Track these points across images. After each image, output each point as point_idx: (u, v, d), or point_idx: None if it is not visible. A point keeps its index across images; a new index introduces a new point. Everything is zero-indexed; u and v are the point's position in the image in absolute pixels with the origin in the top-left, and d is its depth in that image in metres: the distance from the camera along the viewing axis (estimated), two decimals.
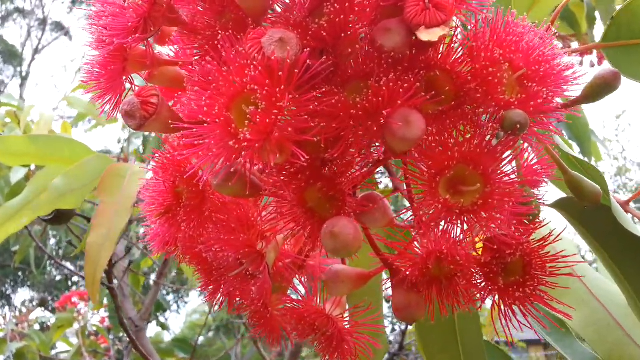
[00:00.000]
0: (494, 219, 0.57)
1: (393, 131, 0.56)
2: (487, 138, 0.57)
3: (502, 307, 0.63)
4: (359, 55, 0.60)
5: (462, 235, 0.61)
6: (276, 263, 0.75)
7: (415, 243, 0.69)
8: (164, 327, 5.61)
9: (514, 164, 0.64)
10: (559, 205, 0.80)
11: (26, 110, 3.28)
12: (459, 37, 0.61)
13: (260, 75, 0.54)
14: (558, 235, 0.62)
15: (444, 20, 0.56)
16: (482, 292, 0.63)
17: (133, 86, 0.73)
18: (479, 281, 0.63)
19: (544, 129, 0.62)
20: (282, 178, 0.64)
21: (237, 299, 0.80)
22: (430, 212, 0.58)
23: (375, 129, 0.57)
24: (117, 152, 4.01)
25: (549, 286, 0.62)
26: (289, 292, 0.83)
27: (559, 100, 0.63)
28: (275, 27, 0.58)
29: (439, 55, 0.60)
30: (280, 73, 0.53)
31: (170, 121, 0.65)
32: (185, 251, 0.77)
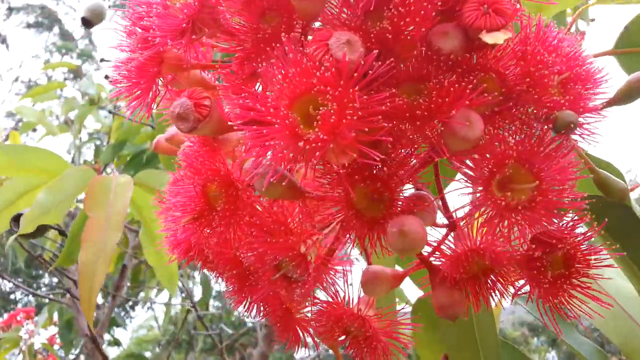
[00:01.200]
0: (549, 215, 0.59)
1: (454, 131, 0.58)
2: (544, 138, 0.60)
3: (550, 299, 0.65)
4: (415, 58, 0.62)
5: (510, 232, 0.63)
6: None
7: (449, 241, 0.71)
8: (117, 342, 5.43)
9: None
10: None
11: None
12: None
13: (332, 77, 0.55)
14: (599, 229, 0.65)
15: (504, 24, 0.58)
16: (531, 286, 0.65)
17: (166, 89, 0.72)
18: (526, 274, 0.65)
19: (584, 129, 0.65)
20: (332, 179, 0.64)
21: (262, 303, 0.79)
22: (489, 210, 0.60)
23: (438, 129, 0.59)
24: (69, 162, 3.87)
25: (590, 278, 0.65)
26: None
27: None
28: (339, 30, 0.58)
29: (494, 58, 0.62)
30: (354, 74, 0.54)
31: (220, 124, 0.65)
32: (216, 256, 0.76)
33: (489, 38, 0.57)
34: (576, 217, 0.64)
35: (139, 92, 0.71)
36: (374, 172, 0.62)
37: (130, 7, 0.68)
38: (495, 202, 0.59)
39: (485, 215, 0.61)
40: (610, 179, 0.73)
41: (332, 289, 0.78)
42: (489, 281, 0.70)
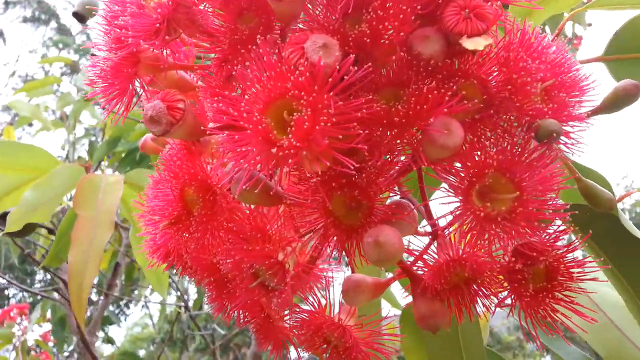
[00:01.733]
0: (530, 226, 0.58)
1: (433, 139, 0.56)
2: (526, 147, 0.58)
3: (530, 312, 0.63)
4: (394, 62, 0.60)
5: (491, 243, 0.61)
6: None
7: (432, 250, 0.69)
8: (110, 340, 5.41)
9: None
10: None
11: None
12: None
13: (307, 82, 0.53)
14: (583, 241, 0.63)
15: (485, 29, 0.56)
16: (512, 298, 0.63)
17: (143, 90, 0.70)
18: (507, 287, 0.64)
19: (568, 138, 0.63)
20: (311, 185, 0.63)
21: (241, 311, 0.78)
22: (468, 220, 0.58)
23: (415, 136, 0.57)
24: (62, 158, 3.85)
25: (573, 292, 0.64)
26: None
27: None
28: (316, 33, 0.56)
29: (475, 64, 0.60)
30: (329, 79, 0.52)
31: (195, 128, 0.63)
32: (194, 262, 0.74)
33: (469, 43, 0.55)
34: (560, 229, 0.63)
35: (115, 92, 0.69)
36: (352, 179, 0.61)
37: (106, 5, 0.66)
38: (475, 212, 0.57)
39: (466, 226, 0.59)
40: (597, 189, 0.72)
41: (313, 297, 0.77)
42: (471, 292, 0.68)
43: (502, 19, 0.61)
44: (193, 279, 0.82)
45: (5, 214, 1.52)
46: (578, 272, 0.63)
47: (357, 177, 0.61)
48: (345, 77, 0.55)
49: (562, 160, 0.73)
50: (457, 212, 0.60)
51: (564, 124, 0.62)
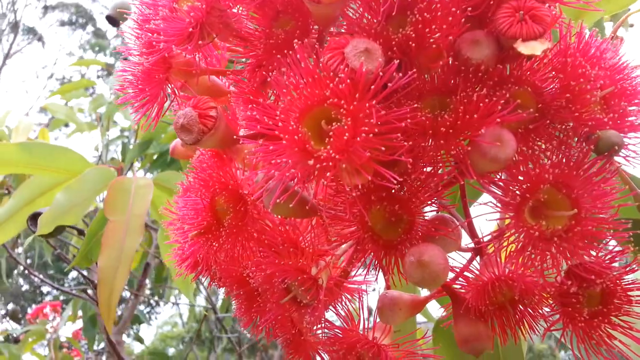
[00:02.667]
0: (587, 246, 0.53)
1: (484, 151, 0.52)
2: (584, 160, 0.53)
3: (585, 338, 0.59)
4: (440, 68, 0.56)
5: (542, 263, 0.57)
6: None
7: (474, 268, 0.65)
8: (139, 339, 5.46)
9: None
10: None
11: (2, 117, 3.17)
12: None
13: (347, 89, 0.49)
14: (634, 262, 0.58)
15: (541, 32, 0.52)
16: (564, 322, 0.59)
17: (176, 97, 0.68)
18: (559, 311, 0.59)
19: (629, 150, 0.58)
20: (348, 198, 0.59)
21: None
22: (521, 238, 0.54)
23: (463, 147, 0.53)
24: (95, 160, 3.89)
25: (632, 316, 0.59)
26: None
27: None
28: (357, 37, 0.53)
29: (529, 70, 0.56)
30: (371, 87, 0.48)
31: (227, 137, 0.60)
32: (223, 273, 0.72)
33: (524, 48, 0.51)
34: (617, 249, 0.58)
35: (146, 98, 0.67)
36: (392, 192, 0.57)
37: (138, 9, 0.64)
38: (528, 230, 0.53)
39: (516, 244, 0.55)
40: None
41: (347, 313, 0.73)
42: (518, 313, 0.64)
43: (558, 22, 0.56)
44: (221, 289, 0.79)
45: (36, 215, 1.53)
46: (637, 296, 0.58)
47: (399, 190, 0.57)
48: (389, 84, 0.52)
49: (620, 175, 0.68)
50: (508, 230, 0.55)
51: (624, 135, 0.57)
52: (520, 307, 0.63)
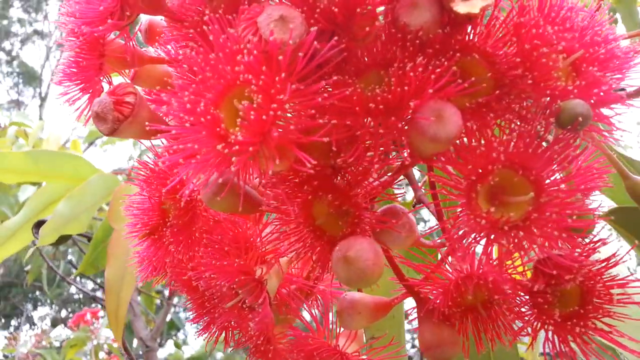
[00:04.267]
0: (550, 236, 0.45)
1: (422, 129, 0.45)
2: (541, 135, 0.46)
3: (557, 343, 0.50)
4: (378, 37, 0.49)
5: (506, 257, 0.49)
6: (279, 290, 0.64)
7: (446, 266, 0.58)
8: (178, 345, 5.51)
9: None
10: (616, 215, 0.68)
11: (35, 128, 3.23)
12: (501, 13, 0.50)
13: (256, 62, 0.43)
14: (625, 255, 0.50)
15: None
16: (534, 326, 0.51)
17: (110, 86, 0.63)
18: (529, 313, 0.51)
19: (606, 124, 0.50)
20: (284, 190, 0.53)
21: (235, 332, 0.69)
22: (469, 229, 0.46)
23: (399, 126, 0.46)
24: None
25: (614, 318, 0.50)
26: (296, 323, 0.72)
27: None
28: (276, 4, 0.47)
29: (478, 35, 0.48)
30: (280, 58, 0.42)
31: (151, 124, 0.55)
32: (173, 278, 0.66)
33: (462, 7, 0.44)
34: (595, 239, 0.50)
35: (81, 89, 0.62)
36: (332, 182, 0.50)
37: None
38: (474, 219, 0.46)
39: (465, 235, 0.47)
40: None
41: (309, 318, 0.67)
42: (491, 315, 0.56)
43: None
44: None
45: (40, 223, 1.52)
46: (620, 294, 0.49)
47: (339, 179, 0.50)
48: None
49: (604, 152, 0.59)
50: (459, 220, 0.48)
51: (599, 106, 0.49)
52: (494, 308, 0.56)
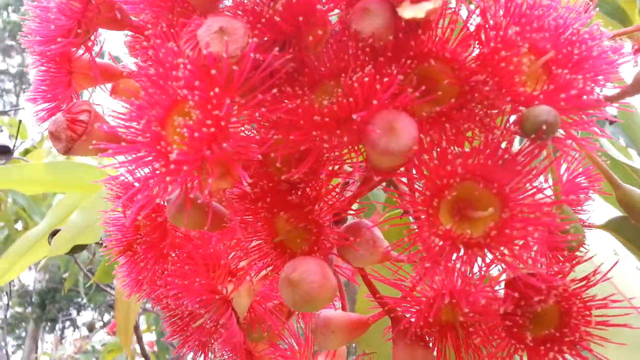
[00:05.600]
0: (514, 254, 0.42)
1: (373, 142, 0.42)
2: (503, 145, 0.42)
3: None
4: (331, 46, 0.47)
5: (476, 274, 0.46)
6: (255, 308, 0.62)
7: (425, 284, 0.54)
8: None
9: (544, 178, 0.49)
10: (611, 226, 0.64)
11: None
12: (463, 15, 0.47)
13: (191, 77, 0.41)
14: (607, 273, 0.46)
15: None
16: (506, 351, 0.47)
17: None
18: (501, 336, 0.47)
19: (585, 131, 0.46)
20: (246, 206, 0.51)
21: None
22: (424, 246, 0.43)
23: (347, 139, 0.43)
24: None
25: (594, 340, 0.46)
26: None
27: (602, 91, 0.47)
28: (219, 15, 0.45)
29: (435, 40, 0.45)
30: (212, 72, 0.40)
31: (110, 141, 0.53)
32: (149, 295, 0.65)
33: (408, 11, 0.41)
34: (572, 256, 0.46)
35: (51, 106, 0.62)
36: (284, 198, 0.48)
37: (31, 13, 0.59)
38: (435, 235, 0.43)
39: (425, 252, 0.44)
40: None
41: (292, 335, 0.65)
42: (470, 336, 0.53)
43: None
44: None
45: (55, 232, 1.55)
46: (600, 316, 0.45)
47: (291, 195, 0.48)
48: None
49: (593, 160, 0.55)
50: (417, 235, 0.45)
51: (573, 111, 0.45)
52: (472, 328, 0.52)
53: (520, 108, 0.43)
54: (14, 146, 3.44)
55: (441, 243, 0.42)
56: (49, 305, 9.39)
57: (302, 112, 0.43)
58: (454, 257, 0.43)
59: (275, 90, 0.43)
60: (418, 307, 0.52)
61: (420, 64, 0.45)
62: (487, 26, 0.44)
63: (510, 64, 0.43)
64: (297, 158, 0.46)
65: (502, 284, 0.47)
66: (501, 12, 0.45)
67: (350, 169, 0.49)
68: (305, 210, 0.48)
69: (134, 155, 0.44)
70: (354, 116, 0.41)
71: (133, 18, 0.58)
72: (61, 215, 1.79)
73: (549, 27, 0.46)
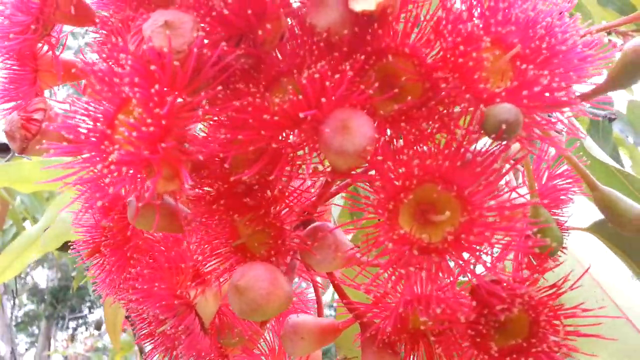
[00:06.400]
0: (478, 260, 0.40)
1: (326, 141, 0.40)
2: (464, 146, 0.40)
3: None
4: (287, 42, 0.45)
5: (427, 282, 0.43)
6: (225, 313, 0.60)
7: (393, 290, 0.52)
8: None
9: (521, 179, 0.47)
10: (596, 229, 0.61)
11: None
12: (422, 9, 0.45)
13: (133, 73, 0.40)
14: (577, 280, 0.43)
15: None
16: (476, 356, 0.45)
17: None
18: (464, 345, 0.45)
19: (545, 130, 0.44)
20: (204, 208, 0.49)
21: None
22: (384, 251, 0.41)
23: (303, 140, 0.41)
24: None
25: (570, 349, 0.44)
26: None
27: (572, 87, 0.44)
28: (168, 9, 0.43)
29: (394, 35, 0.43)
30: (152, 68, 0.39)
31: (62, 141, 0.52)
32: (119, 298, 0.64)
33: (358, 4, 0.39)
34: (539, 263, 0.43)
35: (17, 103, 0.61)
36: (240, 200, 0.46)
37: None
38: (388, 240, 0.40)
39: (382, 258, 0.42)
40: (620, 202, 0.50)
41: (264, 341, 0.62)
42: (436, 342, 0.50)
43: None
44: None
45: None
46: (568, 326, 0.43)
47: (247, 197, 0.46)
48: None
49: (570, 161, 0.53)
50: (374, 239, 0.43)
51: (530, 111, 0.42)
52: (443, 335, 0.50)
53: (481, 107, 0.41)
54: None
55: (392, 247, 0.39)
56: (60, 303, 9.46)
57: (252, 111, 0.41)
58: (413, 263, 0.41)
59: (228, 89, 0.41)
60: (386, 314, 0.50)
61: (379, 60, 0.43)
62: (448, 19, 0.42)
63: (470, 60, 0.41)
64: (253, 159, 0.44)
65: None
66: (463, 6, 0.43)
67: (320, 170, 0.47)
68: (261, 212, 0.46)
69: (78, 156, 0.42)
70: (301, 114, 0.39)
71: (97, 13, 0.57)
72: (57, 214, 1.79)
73: (517, 20, 0.44)
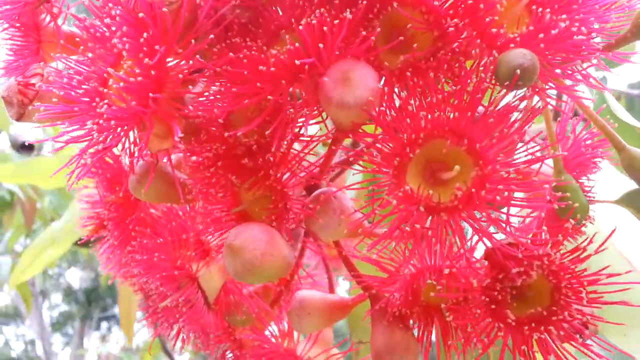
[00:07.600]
0: (490, 220, 0.37)
1: (327, 94, 0.38)
2: (475, 96, 0.37)
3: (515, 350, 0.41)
4: None
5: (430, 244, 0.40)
6: (233, 290, 0.58)
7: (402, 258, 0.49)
8: None
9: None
10: (627, 200, 0.56)
11: None
12: None
13: (122, 23, 0.38)
14: (603, 243, 0.40)
15: None
16: (485, 331, 0.42)
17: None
18: (484, 312, 0.42)
19: (572, 80, 0.41)
20: (204, 174, 0.47)
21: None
22: (384, 210, 0.38)
23: (304, 95, 0.39)
24: None
25: (591, 321, 0.40)
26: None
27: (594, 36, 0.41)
28: None
29: None
30: (140, 15, 0.37)
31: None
32: (123, 275, 0.62)
33: None
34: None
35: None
36: (237, 162, 0.44)
37: None
38: (395, 198, 0.38)
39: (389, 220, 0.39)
40: None
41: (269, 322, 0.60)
42: (451, 315, 0.47)
43: None
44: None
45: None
46: (592, 292, 0.39)
47: (245, 159, 0.44)
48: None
49: (595, 121, 0.49)
50: (384, 200, 0.40)
51: (548, 58, 0.39)
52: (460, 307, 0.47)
53: (494, 53, 0.38)
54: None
55: (396, 204, 0.37)
56: (93, 303, 9.62)
57: (247, 63, 0.39)
58: (421, 222, 0.38)
59: (224, 43, 0.39)
60: (396, 285, 0.47)
61: (384, 9, 0.40)
62: None
63: (482, 2, 0.38)
64: (252, 118, 0.42)
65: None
66: None
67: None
68: (260, 175, 0.43)
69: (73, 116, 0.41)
70: (297, 61, 0.36)
71: None
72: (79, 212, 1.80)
73: None
